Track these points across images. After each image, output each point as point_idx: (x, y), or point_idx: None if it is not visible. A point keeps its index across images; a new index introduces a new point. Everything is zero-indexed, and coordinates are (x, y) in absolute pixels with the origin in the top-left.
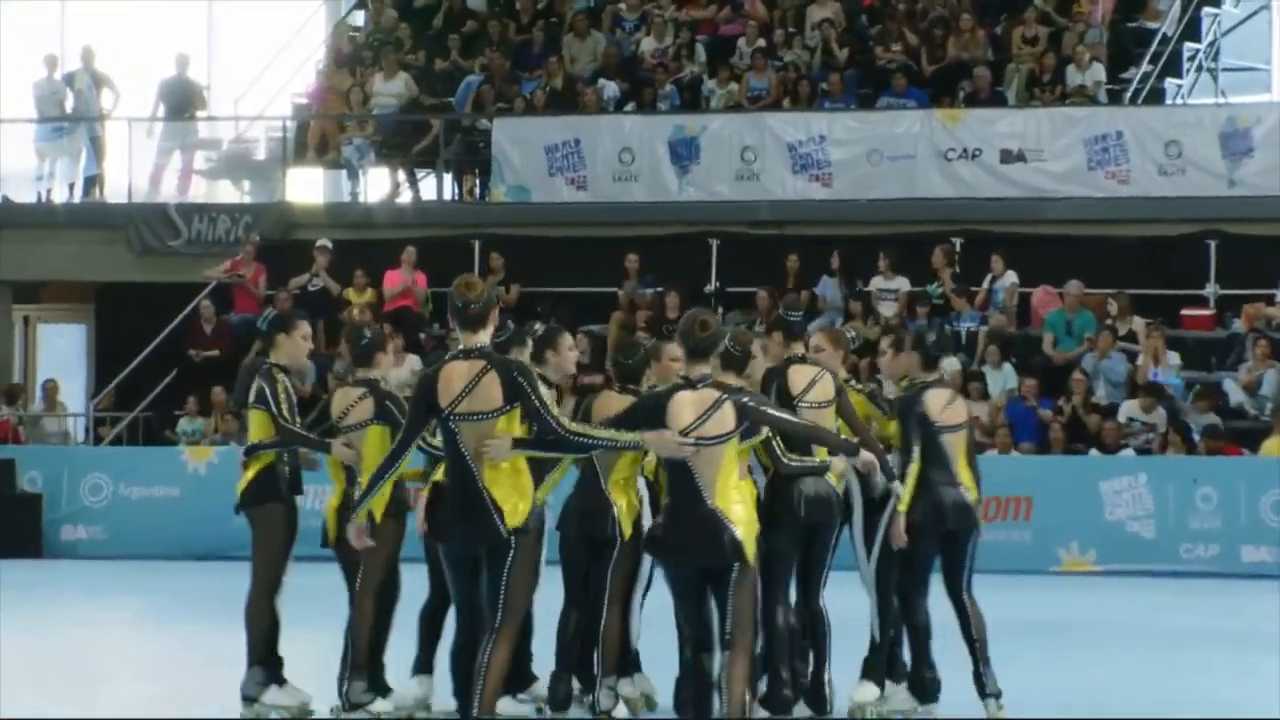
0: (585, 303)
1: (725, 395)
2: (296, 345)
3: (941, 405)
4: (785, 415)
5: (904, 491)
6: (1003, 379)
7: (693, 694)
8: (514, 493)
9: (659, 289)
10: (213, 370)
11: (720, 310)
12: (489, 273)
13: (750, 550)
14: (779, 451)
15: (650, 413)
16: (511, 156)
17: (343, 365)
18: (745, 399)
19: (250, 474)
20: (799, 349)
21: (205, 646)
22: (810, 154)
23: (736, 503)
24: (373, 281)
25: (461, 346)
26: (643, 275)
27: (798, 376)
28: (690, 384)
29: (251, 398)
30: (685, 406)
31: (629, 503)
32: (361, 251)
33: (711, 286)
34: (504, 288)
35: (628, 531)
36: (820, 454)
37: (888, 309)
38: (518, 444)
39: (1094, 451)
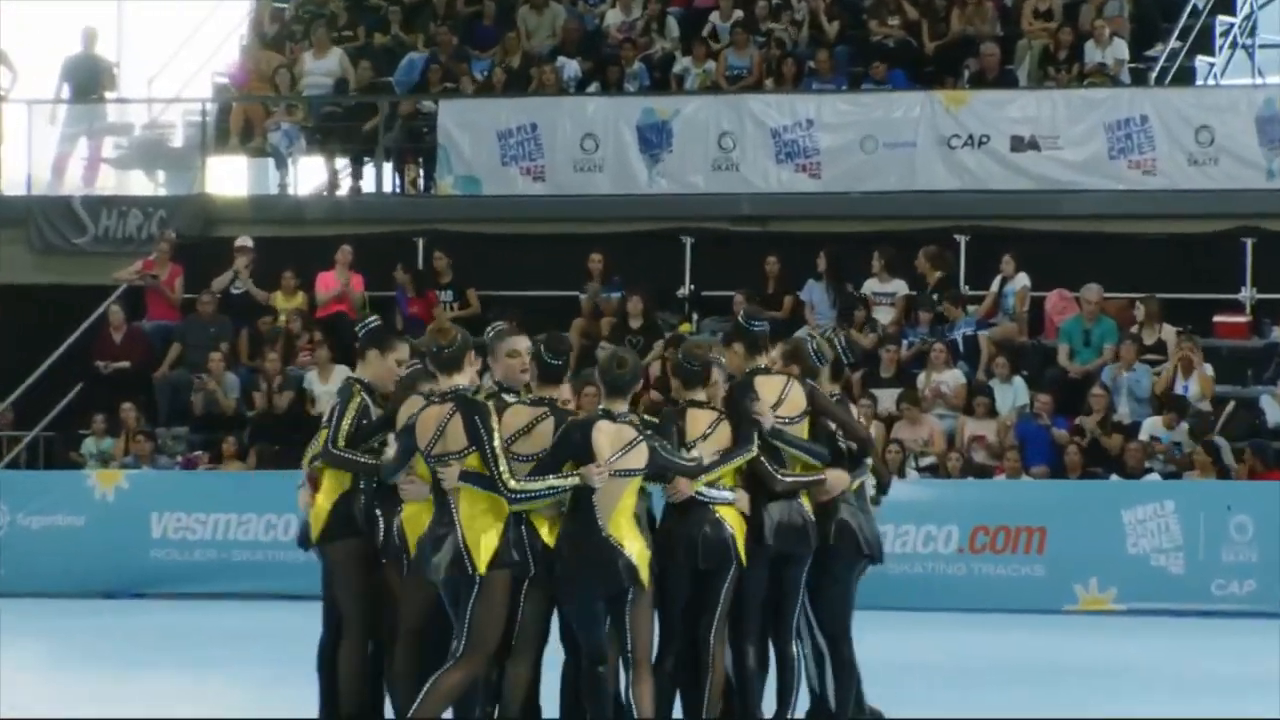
0: (542, 308)
1: (641, 437)
2: (388, 368)
3: None
4: (687, 464)
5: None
6: (1013, 394)
7: (591, 701)
8: (486, 530)
9: (625, 292)
10: (123, 384)
11: (695, 317)
12: (434, 274)
13: (645, 575)
14: (769, 468)
15: (577, 445)
16: (460, 144)
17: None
18: (658, 444)
19: (325, 504)
20: (763, 361)
21: (115, 695)
22: (796, 141)
23: (629, 531)
24: (303, 284)
25: (440, 389)
26: (608, 277)
27: (765, 389)
28: (610, 416)
29: (327, 413)
30: (605, 438)
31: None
32: (290, 250)
33: (685, 290)
34: (452, 292)
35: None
36: (801, 467)
37: (883, 315)
38: (463, 476)
39: (1115, 476)
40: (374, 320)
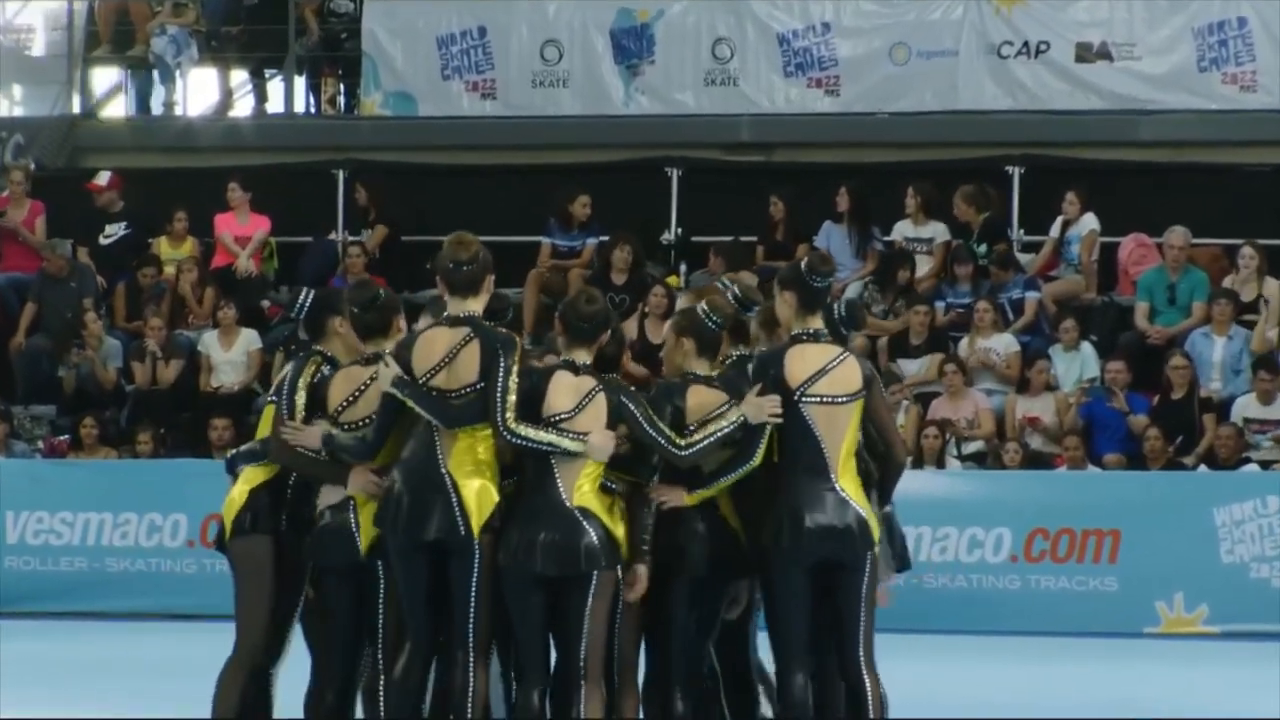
0: (493, 257)
1: (599, 387)
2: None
3: None
4: (660, 433)
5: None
6: (1079, 365)
7: None
8: (479, 483)
9: (597, 238)
10: None
11: (683, 268)
12: (363, 214)
13: (619, 554)
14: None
15: (525, 394)
16: (390, 52)
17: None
18: (622, 397)
19: (241, 494)
20: (815, 323)
21: None
22: (809, 49)
23: (600, 507)
24: (196, 227)
25: (447, 313)
26: (592, 223)
27: (799, 361)
28: (572, 368)
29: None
30: (563, 392)
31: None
32: (179, 185)
33: (670, 235)
34: (372, 228)
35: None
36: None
37: (918, 265)
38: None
39: (1204, 467)
40: (306, 292)
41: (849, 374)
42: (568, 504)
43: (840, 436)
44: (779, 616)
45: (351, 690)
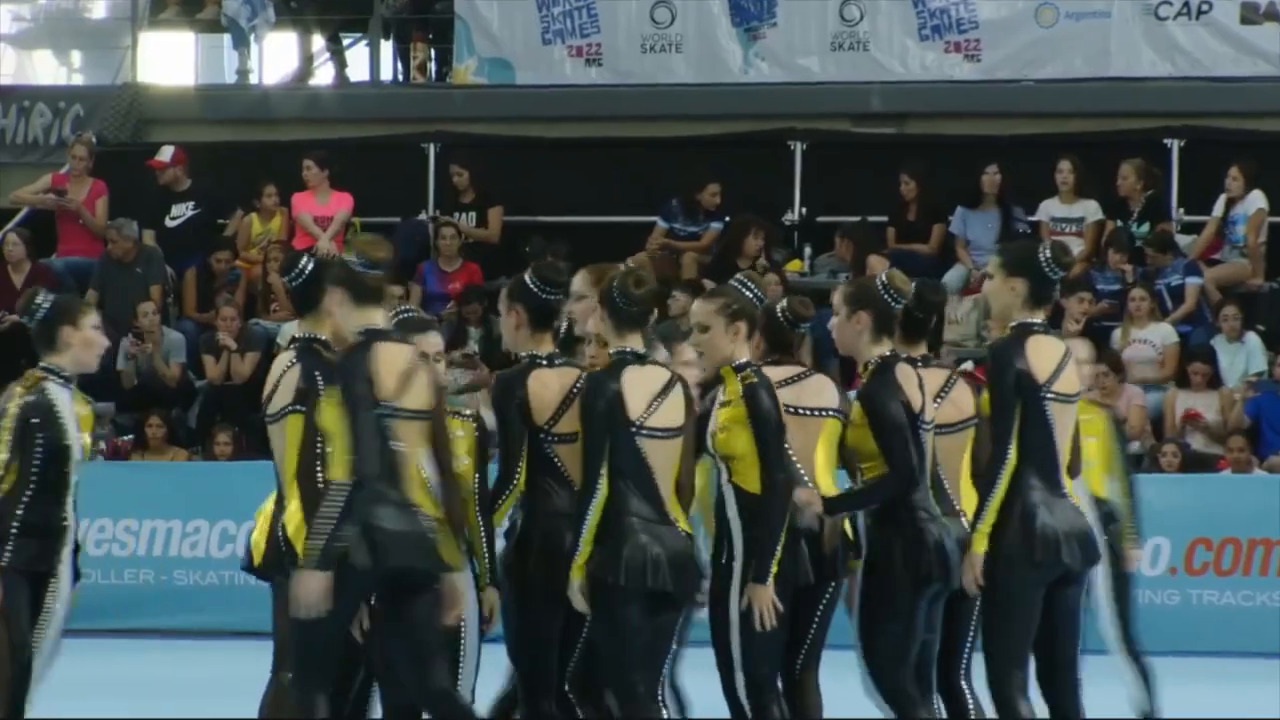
0: (598, 240)
1: (676, 377)
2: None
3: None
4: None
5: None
6: (1245, 357)
7: None
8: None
9: (721, 222)
10: (26, 342)
11: (808, 251)
12: (456, 193)
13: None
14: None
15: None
16: (485, 15)
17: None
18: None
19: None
20: (1040, 315)
21: None
22: (947, 10)
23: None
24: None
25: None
26: (717, 209)
27: (1039, 354)
28: (638, 358)
29: (292, 398)
30: (639, 389)
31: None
32: (253, 161)
33: (793, 215)
34: (476, 215)
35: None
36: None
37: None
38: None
39: None
40: (308, 258)
41: (1076, 371)
42: (669, 517)
43: (1068, 438)
44: (1013, 631)
45: None
